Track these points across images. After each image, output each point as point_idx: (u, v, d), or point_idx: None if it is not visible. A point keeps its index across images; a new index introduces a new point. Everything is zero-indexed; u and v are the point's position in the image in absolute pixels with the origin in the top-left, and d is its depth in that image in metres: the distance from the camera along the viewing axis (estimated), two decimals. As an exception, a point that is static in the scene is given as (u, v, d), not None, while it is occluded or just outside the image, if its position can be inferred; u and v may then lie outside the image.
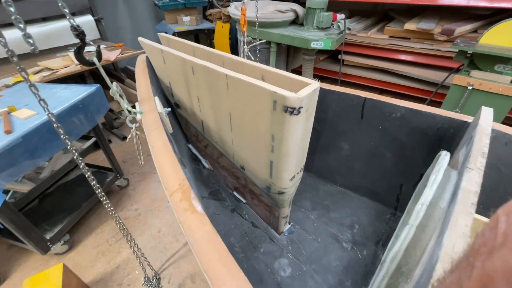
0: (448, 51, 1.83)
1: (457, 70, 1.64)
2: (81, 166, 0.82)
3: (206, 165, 1.45)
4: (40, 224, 1.42)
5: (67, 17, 0.70)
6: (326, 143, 1.26)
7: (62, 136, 0.74)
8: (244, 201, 1.33)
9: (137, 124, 0.99)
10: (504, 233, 0.18)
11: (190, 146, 1.53)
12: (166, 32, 2.94)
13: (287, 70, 2.29)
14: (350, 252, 1.18)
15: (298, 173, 1.00)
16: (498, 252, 0.17)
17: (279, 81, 0.91)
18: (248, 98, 0.86)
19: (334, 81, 2.68)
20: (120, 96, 0.93)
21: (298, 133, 0.83)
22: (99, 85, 1.43)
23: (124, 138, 2.31)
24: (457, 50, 1.49)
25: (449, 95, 1.58)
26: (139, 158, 1.07)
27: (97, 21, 2.45)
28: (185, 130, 1.49)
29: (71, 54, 2.14)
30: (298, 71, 2.79)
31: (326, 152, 1.28)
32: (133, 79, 2.64)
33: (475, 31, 1.91)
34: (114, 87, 0.90)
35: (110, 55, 2.04)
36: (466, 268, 0.20)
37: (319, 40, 1.69)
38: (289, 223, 1.26)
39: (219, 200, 1.31)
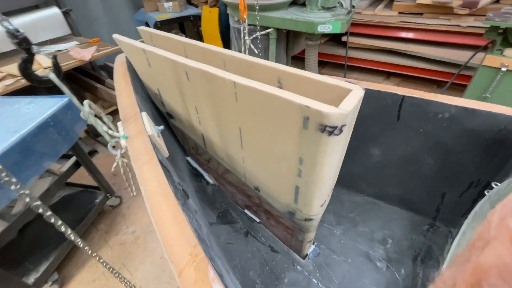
0: (470, 26, 1.63)
1: (484, 48, 1.45)
2: (44, 215, 0.62)
3: (210, 181, 1.26)
4: (22, 263, 1.22)
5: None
6: (352, 148, 1.07)
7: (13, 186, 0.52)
8: (257, 220, 1.15)
9: (123, 150, 0.77)
10: (497, 226, 0.18)
11: (189, 159, 1.32)
12: (146, 23, 2.62)
13: (287, 57, 2.06)
14: (385, 272, 1.02)
15: (329, 195, 0.81)
16: (491, 245, 0.17)
17: (302, 85, 0.70)
18: (266, 112, 0.65)
19: (337, 66, 2.46)
20: (97, 116, 0.70)
21: (336, 156, 0.63)
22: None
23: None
24: (488, 26, 1.29)
25: (477, 78, 1.39)
26: (129, 190, 0.87)
27: (65, 14, 2.12)
28: (181, 141, 1.28)
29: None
30: (299, 58, 2.55)
31: (352, 158, 1.10)
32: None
33: (496, 0, 1.70)
34: (87, 107, 0.68)
35: (84, 54, 1.76)
36: (463, 262, 0.20)
37: (327, 23, 1.45)
38: (313, 243, 1.09)
39: (230, 223, 1.13)
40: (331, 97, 0.66)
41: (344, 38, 2.24)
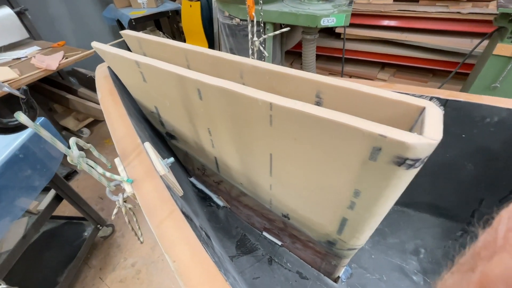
0: (471, 13, 1.58)
1: (490, 36, 1.40)
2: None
3: (220, 203, 1.11)
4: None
5: None
6: (381, 158, 0.97)
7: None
8: (279, 243, 1.03)
9: (125, 195, 0.60)
10: (505, 236, 0.18)
11: (193, 180, 1.16)
12: (118, 20, 2.33)
13: (281, 52, 1.91)
14: (424, 287, 0.95)
15: (376, 222, 0.71)
16: (498, 256, 0.17)
17: (350, 101, 0.57)
18: (315, 139, 0.52)
19: (331, 59, 2.36)
20: (90, 165, 0.53)
21: (404, 187, 0.52)
22: (43, 118, 0.96)
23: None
24: (497, 13, 1.23)
25: (487, 67, 1.34)
26: (137, 238, 0.70)
27: (20, 14, 1.81)
28: (183, 162, 1.11)
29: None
30: (292, 52, 2.41)
31: (380, 168, 1.00)
32: (88, 86, 2.08)
33: (491, -15, 1.66)
34: (75, 150, 0.50)
35: (49, 62, 1.50)
36: (467, 271, 0.19)
37: (331, 16, 1.32)
38: (344, 263, 1.00)
39: (250, 252, 1.00)
40: (390, 116, 0.54)
41: (338, 30, 2.13)
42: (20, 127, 0.42)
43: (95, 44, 0.80)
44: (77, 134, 2.06)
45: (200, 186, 1.14)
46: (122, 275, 1.26)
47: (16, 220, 1.03)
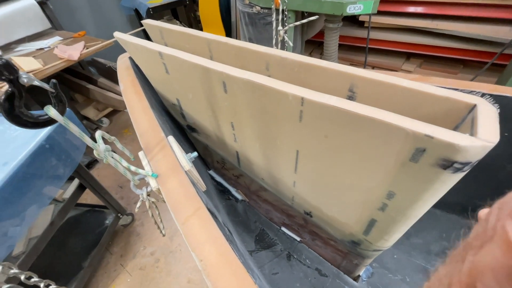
0: (512, -3, 1.44)
1: (534, 24, 1.28)
2: None
3: (239, 197, 1.10)
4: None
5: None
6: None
7: None
8: (298, 239, 1.02)
9: (149, 189, 0.59)
10: (494, 227, 0.18)
11: (211, 172, 1.15)
12: (136, 10, 2.33)
13: (302, 42, 1.84)
14: (449, 290, 0.91)
15: (406, 224, 0.67)
16: (487, 246, 0.17)
17: (387, 96, 0.53)
18: (348, 137, 0.49)
19: (352, 49, 2.26)
20: (114, 158, 0.52)
21: (446, 191, 0.48)
22: (67, 110, 0.97)
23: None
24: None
25: (528, 58, 1.23)
26: (159, 231, 0.71)
27: (42, 4, 1.83)
28: (203, 154, 1.10)
29: (20, 57, 1.59)
30: (312, 42, 2.33)
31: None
32: (107, 76, 2.11)
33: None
34: (101, 144, 0.49)
35: (71, 53, 1.52)
36: (459, 261, 0.20)
37: (358, 2, 1.25)
38: (365, 262, 0.97)
39: (269, 247, 0.99)
40: (432, 114, 0.50)
41: (362, 18, 2.03)
42: (51, 121, 0.42)
43: (117, 34, 0.79)
44: (97, 123, 2.11)
45: (218, 179, 1.13)
46: (142, 263, 1.29)
47: (43, 208, 1.07)
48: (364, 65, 1.76)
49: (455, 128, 0.49)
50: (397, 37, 1.98)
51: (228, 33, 2.27)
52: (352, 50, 2.26)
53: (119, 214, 1.34)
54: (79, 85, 1.96)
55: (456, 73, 1.88)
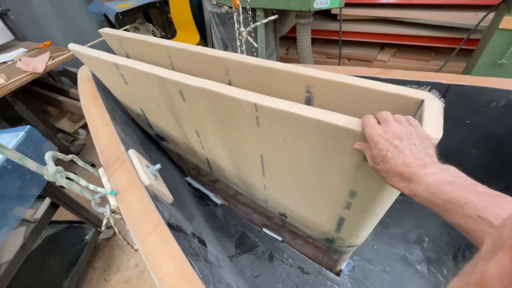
0: (475, -16, 1.47)
1: (496, 8, 1.31)
2: None
3: (218, 201, 1.09)
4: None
5: None
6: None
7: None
8: (280, 239, 1.02)
9: (112, 206, 0.57)
10: (504, 237, 0.18)
11: (189, 179, 1.13)
12: (105, 15, 2.25)
13: (275, 39, 1.83)
14: (428, 276, 0.94)
15: (376, 218, 0.68)
16: (496, 256, 0.17)
17: (343, 96, 0.53)
18: (305, 140, 0.48)
19: (327, 42, 2.27)
20: (69, 179, 0.50)
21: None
22: (28, 127, 0.93)
23: (93, 165, 1.81)
24: (503, -17, 1.14)
25: (492, 43, 1.27)
26: (130, 246, 0.69)
27: (2, 16, 1.75)
28: (177, 162, 1.08)
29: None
30: (287, 37, 2.32)
31: (380, 158, 0.96)
32: (80, 85, 2.04)
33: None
34: (51, 166, 0.47)
35: (36, 65, 1.45)
36: (470, 273, 0.19)
37: (324, -3, 1.24)
38: (346, 256, 0.98)
39: (251, 249, 0.99)
40: (388, 110, 0.50)
41: (334, 11, 2.03)
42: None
43: (72, 47, 0.75)
44: (74, 135, 2.04)
45: (196, 185, 1.11)
46: (127, 276, 1.27)
47: (13, 230, 1.03)
48: (339, 58, 1.77)
49: (409, 124, 0.49)
50: (370, 28, 2.00)
51: (203, 34, 2.23)
52: (328, 44, 2.27)
53: (99, 229, 1.30)
54: (51, 98, 1.89)
55: (428, 60, 1.92)
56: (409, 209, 1.05)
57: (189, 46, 0.68)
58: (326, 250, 0.86)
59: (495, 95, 0.68)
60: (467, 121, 0.75)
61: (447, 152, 0.86)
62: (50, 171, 0.47)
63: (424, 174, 0.30)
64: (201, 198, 1.10)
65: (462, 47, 1.55)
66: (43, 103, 2.05)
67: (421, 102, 0.45)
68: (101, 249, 1.38)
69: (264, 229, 1.04)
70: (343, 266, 0.95)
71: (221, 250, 0.89)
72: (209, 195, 1.10)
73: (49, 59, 1.53)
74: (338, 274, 0.95)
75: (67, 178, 0.54)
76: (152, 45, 0.73)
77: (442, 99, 0.44)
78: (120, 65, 0.65)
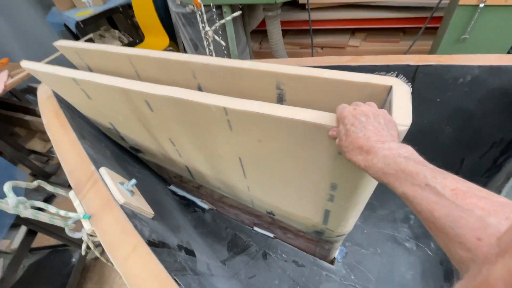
0: (433, -37, 1.50)
1: (455, -14, 1.35)
2: None
3: (205, 206, 1.07)
4: None
5: None
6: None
7: None
8: (272, 236, 1.02)
9: (87, 230, 0.54)
10: (510, 240, 0.18)
11: (172, 188, 1.10)
12: (65, 25, 2.12)
13: (246, 34, 1.81)
14: (417, 251, 0.97)
15: (361, 205, 0.68)
16: (502, 259, 0.17)
17: (313, 89, 0.52)
18: (280, 139, 0.47)
19: (298, 33, 2.26)
20: (36, 208, 0.47)
21: (382, 173, 0.48)
22: (-9, 154, 0.87)
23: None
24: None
25: (454, 19, 1.30)
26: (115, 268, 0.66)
27: (-50, 35, 1.61)
28: (158, 172, 1.05)
29: None
30: (258, 31, 2.29)
31: (360, 144, 0.97)
32: (48, 102, 1.93)
33: None
34: (11, 198, 0.43)
35: (-6, 86, 1.35)
36: (474, 277, 0.20)
37: (289, -13, 1.23)
38: (338, 244, 1.00)
39: (244, 250, 0.98)
40: (360, 99, 0.50)
41: (302, 0, 2.02)
42: None
43: (24, 64, 0.70)
44: (47, 155, 1.94)
45: (181, 193, 1.09)
46: (121, 293, 1.23)
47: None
48: (311, 47, 1.77)
49: (380, 111, 0.49)
50: (339, 15, 2.01)
51: (172, 36, 2.15)
52: (299, 34, 2.26)
53: (82, 251, 1.25)
54: (16, 118, 1.78)
55: (397, 41, 1.96)
56: (393, 190, 1.08)
57: (152, 52, 0.64)
58: (318, 241, 0.87)
59: (461, 72, 0.69)
60: (438, 99, 0.77)
61: (422, 131, 0.89)
62: (11, 204, 0.43)
63: (382, 147, 0.31)
64: (187, 205, 1.08)
65: (427, 26, 1.59)
66: (9, 124, 1.93)
67: (390, 88, 0.45)
68: (91, 269, 1.32)
69: (255, 228, 1.04)
70: (336, 254, 0.97)
71: (212, 256, 0.87)
72: (195, 201, 1.07)
73: (7, 78, 1.43)
74: (332, 262, 0.96)
75: (33, 207, 0.50)
76: (113, 54, 0.69)
77: (409, 83, 0.44)
78: (79, 79, 0.61)
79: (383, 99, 0.47)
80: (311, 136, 0.42)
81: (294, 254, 0.98)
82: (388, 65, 0.72)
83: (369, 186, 0.50)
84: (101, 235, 0.48)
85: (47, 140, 1.94)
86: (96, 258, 1.34)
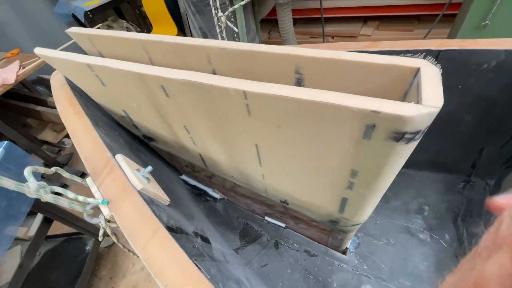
0: None
1: (475, -31, 1.28)
2: None
3: (217, 196, 1.07)
4: None
5: None
6: (375, 123, 0.92)
7: None
8: (283, 226, 1.02)
9: (106, 215, 0.54)
10: (503, 236, 0.18)
11: (184, 177, 1.11)
12: (73, 15, 2.12)
13: (256, 23, 1.77)
14: (431, 243, 0.96)
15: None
16: (496, 255, 0.17)
17: (335, 73, 0.50)
18: (300, 124, 0.46)
19: (308, 21, 2.21)
20: (55, 193, 0.47)
21: (404, 161, 0.47)
22: (6, 142, 0.88)
23: (83, 174, 1.76)
24: None
25: (475, 4, 1.25)
26: (132, 253, 0.67)
27: (-38, 26, 1.62)
28: (170, 161, 1.05)
29: None
30: (267, 20, 2.25)
31: (375, 134, 0.95)
32: (58, 93, 1.94)
33: None
34: (33, 182, 0.44)
35: (6, 76, 1.37)
36: (467, 270, 0.20)
37: (302, -28, 1.19)
38: (350, 234, 0.99)
39: (255, 240, 0.98)
40: (381, 83, 0.48)
41: (313, -13, 1.97)
42: None
43: (38, 51, 0.70)
44: (59, 146, 1.97)
45: (192, 182, 1.09)
46: (134, 280, 1.26)
47: (7, 251, 0.99)
48: (323, 36, 1.73)
49: (405, 95, 0.47)
50: (352, 2, 1.96)
51: (180, 26, 2.13)
52: (310, 23, 2.21)
53: (99, 237, 1.27)
54: (28, 109, 1.80)
55: (412, 30, 1.90)
56: (408, 180, 1.06)
57: (166, 37, 0.63)
58: (331, 231, 0.86)
59: (485, 56, 0.66)
60: (459, 86, 0.74)
61: (441, 119, 0.86)
62: (32, 188, 0.43)
63: None
64: (199, 194, 1.08)
65: (444, 13, 1.53)
66: (21, 115, 1.96)
67: (417, 70, 0.43)
68: (104, 257, 1.35)
69: (267, 218, 1.03)
70: (348, 244, 0.96)
71: (226, 244, 0.87)
72: (207, 190, 1.08)
73: (19, 68, 1.44)
74: (344, 252, 0.96)
75: (53, 192, 0.51)
76: (126, 40, 0.68)
77: (439, 65, 0.42)
78: (94, 65, 0.60)
79: (409, 82, 0.45)
80: (335, 120, 0.41)
81: (306, 244, 0.98)
82: (408, 50, 0.70)
83: (391, 173, 0.48)
84: (120, 220, 0.48)
85: (58, 131, 1.97)
86: (110, 247, 1.37)
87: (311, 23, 2.22)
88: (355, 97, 0.39)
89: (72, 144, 2.05)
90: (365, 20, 2.11)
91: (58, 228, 1.46)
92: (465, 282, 0.19)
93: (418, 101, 0.38)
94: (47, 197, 0.46)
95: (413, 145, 0.40)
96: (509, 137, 0.81)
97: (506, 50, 0.64)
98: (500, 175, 0.91)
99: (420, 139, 0.40)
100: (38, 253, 1.30)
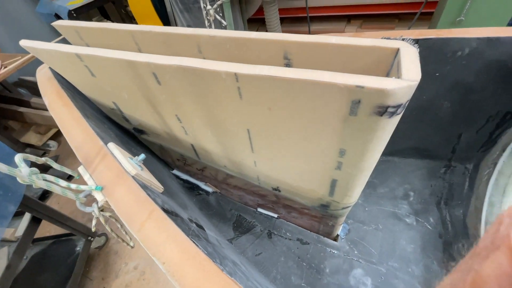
0: None
1: (449, -32, 1.36)
2: None
3: (209, 189, 1.08)
4: None
5: None
6: (360, 112, 0.96)
7: None
8: (275, 216, 1.03)
9: (99, 204, 0.54)
10: (502, 236, 0.18)
11: (175, 172, 1.11)
12: (56, 15, 2.07)
13: (243, 21, 1.80)
14: (417, 226, 1.00)
15: (365, 176, 0.70)
16: (493, 255, 0.17)
17: (321, 56, 0.53)
18: (289, 105, 0.48)
19: (295, 21, 2.26)
20: (48, 180, 0.47)
21: (389, 136, 0.50)
22: (-9, 139, 0.85)
23: (70, 177, 1.71)
24: None
25: (450, 2, 1.32)
26: (126, 243, 0.67)
27: None
28: (160, 155, 1.05)
29: None
30: (254, 20, 2.28)
31: (361, 123, 0.99)
32: (39, 94, 1.89)
33: None
34: (24, 168, 0.43)
35: (-13, 75, 1.32)
36: (464, 271, 0.20)
37: (287, -30, 1.22)
38: (340, 221, 1.02)
39: (249, 230, 0.99)
40: (365, 65, 0.51)
41: (298, -13, 2.02)
42: None
43: (24, 43, 0.69)
44: (43, 148, 1.91)
45: (184, 176, 1.09)
46: (127, 280, 1.24)
47: (-6, 252, 0.96)
48: (309, 34, 1.77)
49: (387, 75, 0.50)
50: (336, 1, 2.02)
51: (166, 25, 2.13)
52: (296, 22, 2.26)
53: (89, 238, 1.25)
54: (10, 111, 1.74)
55: (393, 27, 1.98)
56: (394, 168, 1.10)
57: (155, 27, 0.64)
58: (322, 218, 0.89)
59: (459, 44, 0.71)
60: (437, 74, 0.79)
61: (422, 106, 0.91)
62: (24, 173, 0.43)
63: None
64: (191, 188, 1.08)
65: (422, 11, 1.61)
66: (2, 118, 1.89)
67: (397, 50, 0.46)
68: (95, 258, 1.33)
69: (259, 209, 1.05)
70: (339, 230, 0.99)
71: (219, 234, 0.88)
72: (199, 184, 1.08)
73: (1, 68, 1.40)
74: (335, 239, 0.99)
75: (44, 180, 0.50)
76: (115, 31, 0.68)
77: (417, 45, 0.45)
78: (83, 55, 0.60)
79: (391, 63, 0.48)
80: (322, 98, 0.43)
81: (298, 233, 1.00)
82: (388, 38, 0.73)
83: (377, 150, 0.51)
84: (115, 205, 0.49)
85: (42, 133, 1.91)
86: (100, 247, 1.34)
87: (297, 22, 2.27)
88: (341, 74, 0.41)
89: (58, 146, 2.00)
90: (349, 19, 2.18)
91: (45, 231, 1.42)
92: (463, 281, 0.19)
93: (398, 76, 0.41)
94: (40, 183, 0.46)
95: (396, 119, 0.43)
96: (484, 122, 0.87)
97: (477, 38, 0.69)
98: (477, 159, 0.97)
99: (401, 113, 0.43)
100: (25, 257, 1.26)
